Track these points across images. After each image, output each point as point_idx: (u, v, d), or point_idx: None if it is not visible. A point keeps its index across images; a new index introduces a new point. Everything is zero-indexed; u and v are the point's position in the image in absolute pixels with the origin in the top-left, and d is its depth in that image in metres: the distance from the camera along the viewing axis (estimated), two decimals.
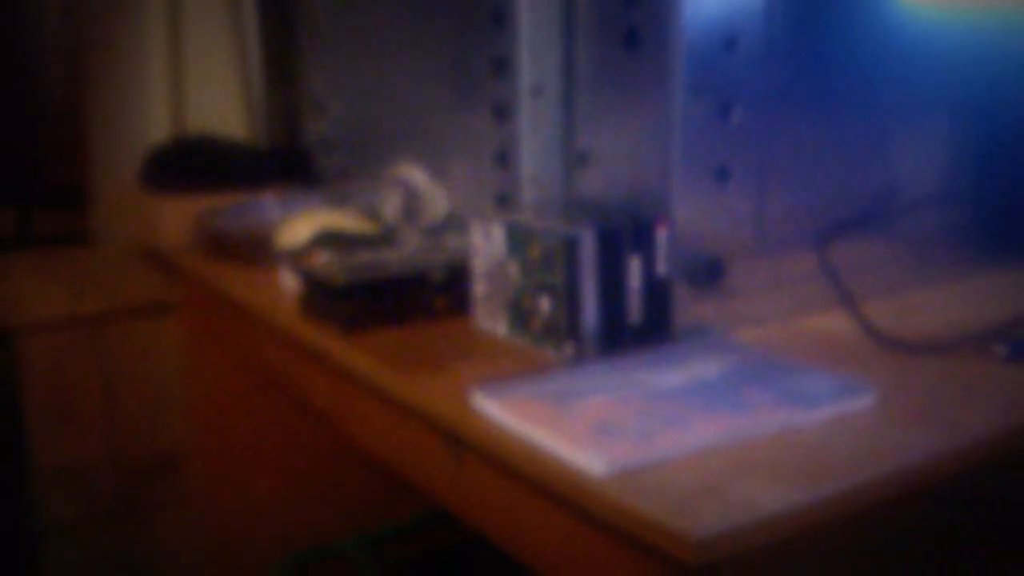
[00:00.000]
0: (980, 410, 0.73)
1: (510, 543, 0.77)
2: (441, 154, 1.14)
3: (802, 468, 0.63)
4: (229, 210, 1.30)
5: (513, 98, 1.01)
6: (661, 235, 0.85)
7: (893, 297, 1.01)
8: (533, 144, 1.01)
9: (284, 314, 1.03)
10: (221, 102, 1.61)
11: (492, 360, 0.87)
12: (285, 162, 1.49)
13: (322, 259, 1.07)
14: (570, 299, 0.83)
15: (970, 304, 1.00)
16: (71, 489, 1.54)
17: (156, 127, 1.58)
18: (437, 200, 1.13)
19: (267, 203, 1.28)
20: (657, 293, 0.86)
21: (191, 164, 1.47)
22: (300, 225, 1.14)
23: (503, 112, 1.02)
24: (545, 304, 0.85)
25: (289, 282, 1.09)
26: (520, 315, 0.89)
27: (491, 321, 0.93)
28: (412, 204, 1.15)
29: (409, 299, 0.97)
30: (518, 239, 0.87)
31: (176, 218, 1.38)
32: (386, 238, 1.16)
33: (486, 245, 0.91)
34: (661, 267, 0.86)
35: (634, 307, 0.85)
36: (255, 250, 1.20)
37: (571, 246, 0.82)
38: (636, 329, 0.86)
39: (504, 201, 1.04)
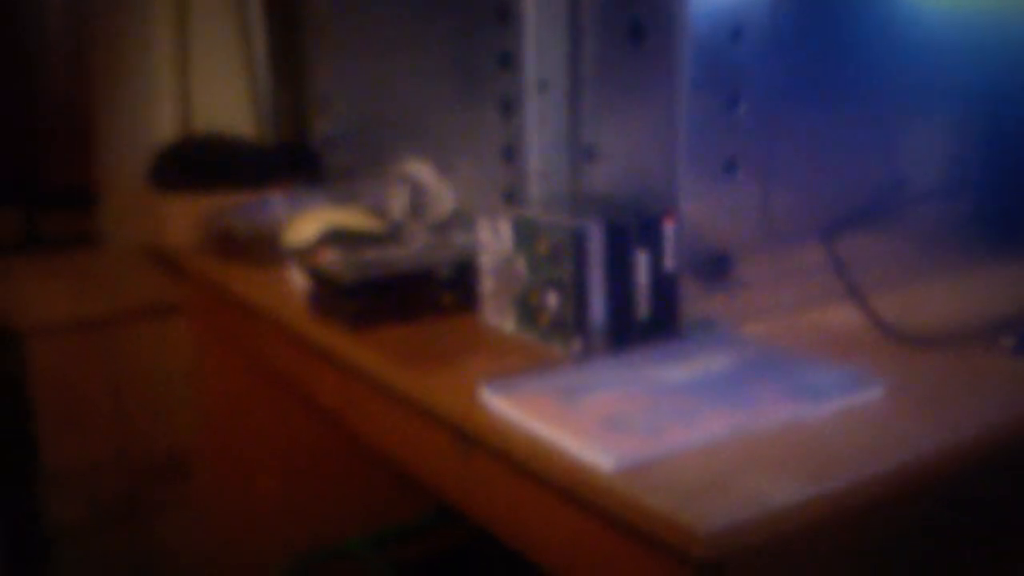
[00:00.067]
0: (988, 402, 0.73)
1: (517, 539, 0.77)
2: (447, 150, 1.14)
3: (810, 461, 0.63)
4: (236, 209, 1.30)
5: (519, 93, 1.01)
6: (668, 229, 0.85)
7: (900, 290, 1.01)
8: (539, 139, 1.01)
9: (291, 312, 1.04)
10: (227, 101, 1.61)
11: (500, 356, 0.87)
12: (291, 160, 1.49)
13: (329, 257, 1.07)
14: (578, 294, 0.83)
15: (977, 297, 1.00)
16: (78, 490, 1.55)
17: (162, 126, 1.58)
18: (444, 197, 1.13)
19: (274, 201, 1.28)
20: (664, 288, 0.86)
21: (198, 163, 1.47)
22: (307, 223, 1.15)
23: (509, 108, 1.02)
24: (553, 299, 0.85)
25: (296, 280, 1.09)
26: (528, 311, 0.88)
27: (499, 317, 0.93)
28: (419, 201, 1.15)
29: (416, 296, 0.97)
30: (525, 234, 0.87)
31: (183, 217, 1.38)
32: (393, 235, 1.16)
33: (493, 241, 0.91)
34: (668, 262, 0.86)
35: (642, 302, 0.85)
36: (262, 249, 1.20)
37: (579, 241, 0.82)
38: (644, 324, 0.86)
39: (511, 197, 1.04)
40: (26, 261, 1.70)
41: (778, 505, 0.58)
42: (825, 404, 0.71)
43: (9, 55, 2.05)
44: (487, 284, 0.94)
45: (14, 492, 1.56)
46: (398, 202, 1.17)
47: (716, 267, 0.91)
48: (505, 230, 0.90)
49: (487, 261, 0.93)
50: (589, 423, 0.68)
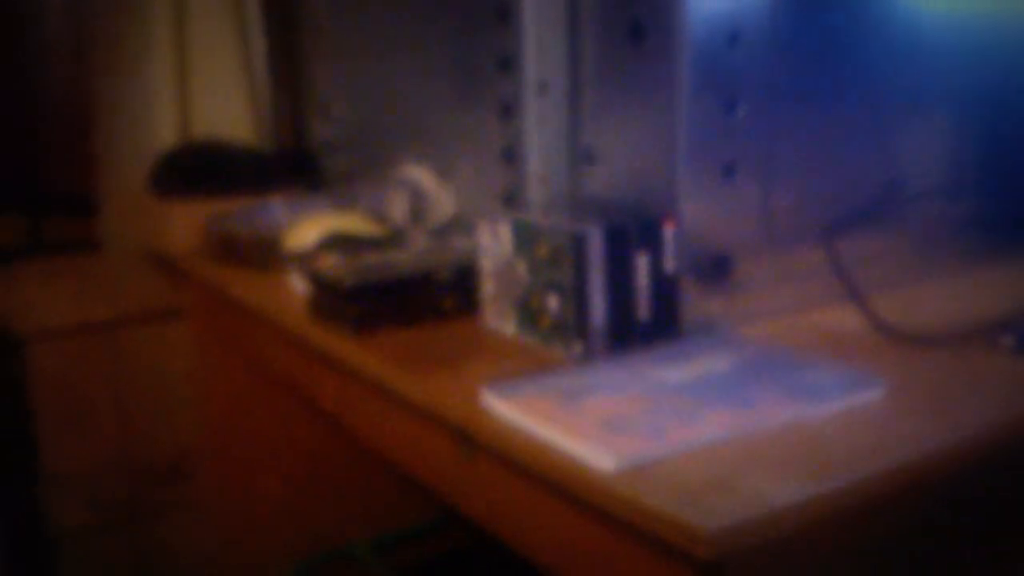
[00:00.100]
0: (989, 401, 0.73)
1: (519, 541, 0.77)
2: (447, 154, 1.14)
3: (812, 461, 0.63)
4: (237, 214, 1.30)
5: (518, 96, 1.01)
6: (668, 232, 0.85)
7: (900, 291, 1.01)
8: (539, 142, 1.01)
9: (293, 317, 1.04)
10: (227, 107, 1.61)
11: (501, 359, 0.87)
12: (291, 165, 1.49)
13: (330, 261, 1.08)
14: (578, 297, 0.83)
15: (977, 296, 1.00)
16: (82, 494, 1.55)
17: (163, 133, 1.58)
18: (444, 200, 1.13)
19: (274, 206, 1.28)
20: (665, 290, 0.86)
21: (198, 169, 1.47)
22: (308, 228, 1.15)
23: (509, 110, 1.02)
24: (553, 302, 0.85)
25: (297, 285, 1.09)
26: (528, 314, 0.89)
27: (499, 320, 0.93)
28: (419, 205, 1.15)
29: (417, 300, 0.97)
30: (526, 238, 0.88)
31: (184, 223, 1.38)
32: (393, 239, 1.16)
33: (494, 244, 0.92)
34: (669, 264, 0.86)
35: (642, 304, 0.85)
36: (263, 254, 1.20)
37: (579, 244, 0.82)
38: (644, 326, 0.86)
39: (511, 200, 1.04)
40: (29, 267, 1.70)
41: (779, 505, 0.58)
42: (826, 404, 0.71)
43: (10, 64, 2.05)
44: (488, 287, 0.94)
45: (16, 495, 1.56)
46: (398, 206, 1.17)
47: (716, 269, 0.91)
48: (505, 234, 0.90)
49: (487, 265, 0.93)
50: (590, 425, 0.68)
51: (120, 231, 1.70)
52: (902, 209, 1.04)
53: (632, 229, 0.84)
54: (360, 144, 1.37)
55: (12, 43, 2.05)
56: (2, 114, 2.05)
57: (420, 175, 1.15)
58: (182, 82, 1.59)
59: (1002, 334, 0.84)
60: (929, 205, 1.07)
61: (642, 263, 0.85)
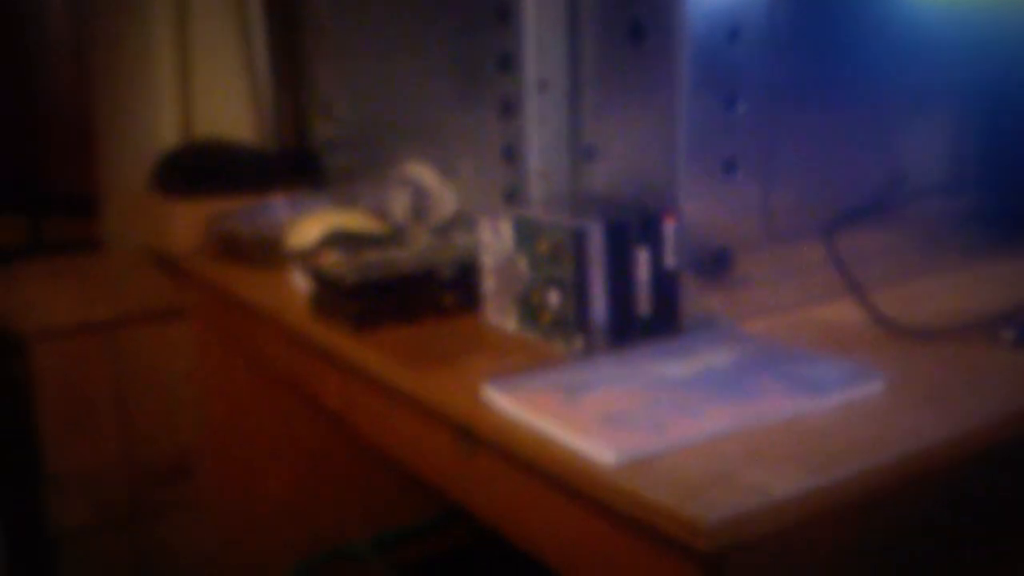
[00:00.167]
0: (989, 395, 0.73)
1: (521, 537, 0.77)
2: (448, 152, 1.15)
3: (813, 454, 0.63)
4: (239, 213, 1.31)
5: (519, 94, 1.01)
6: (669, 227, 0.86)
7: (900, 285, 1.01)
8: (540, 140, 1.01)
9: (295, 314, 1.04)
10: (229, 106, 1.62)
11: (502, 355, 0.87)
12: (293, 164, 1.50)
13: (332, 259, 1.08)
14: (579, 293, 0.83)
15: (977, 291, 1.00)
16: (81, 493, 1.55)
17: (165, 132, 1.59)
18: (445, 198, 1.14)
19: (276, 205, 1.29)
20: (665, 285, 0.87)
21: (200, 168, 1.47)
22: (309, 226, 1.15)
23: (509, 108, 1.03)
24: (554, 298, 0.85)
25: (299, 283, 1.10)
26: (529, 310, 0.89)
27: (501, 316, 0.93)
28: (420, 203, 1.16)
29: (419, 296, 0.97)
30: (526, 234, 0.88)
31: (186, 222, 1.39)
32: (395, 237, 1.16)
33: (495, 241, 0.92)
34: (669, 259, 0.86)
35: (643, 299, 0.86)
36: (265, 252, 1.21)
37: (579, 240, 0.82)
38: (645, 321, 0.86)
39: (512, 197, 1.04)
40: (31, 267, 1.70)
41: (780, 498, 0.58)
42: (826, 398, 0.71)
43: (13, 66, 2.06)
44: (489, 284, 0.94)
45: (17, 495, 1.57)
46: (400, 204, 1.17)
47: (717, 264, 0.91)
48: (506, 230, 0.90)
49: (489, 261, 0.94)
50: (591, 419, 0.68)
51: (122, 231, 1.70)
52: (902, 204, 1.05)
53: (632, 225, 0.84)
54: (362, 143, 1.38)
55: (13, 43, 2.05)
56: (4, 114, 2.05)
57: (422, 173, 1.16)
58: (184, 82, 1.59)
59: (1002, 328, 0.85)
60: (929, 200, 1.07)
61: (642, 259, 0.85)
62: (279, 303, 1.09)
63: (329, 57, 1.43)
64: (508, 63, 1.02)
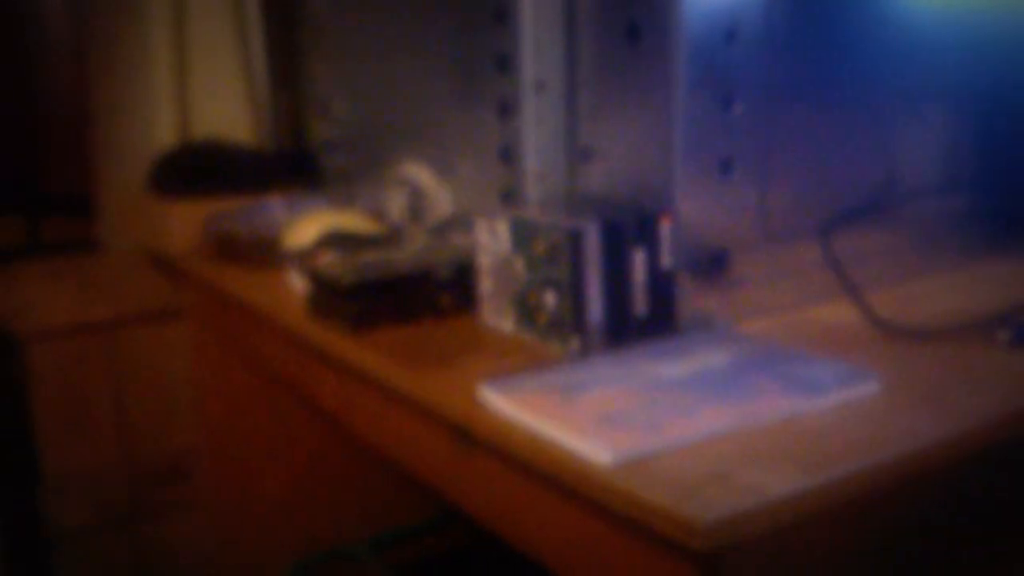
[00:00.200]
0: (984, 395, 0.73)
1: (517, 537, 0.77)
2: (445, 152, 1.15)
3: (809, 454, 0.64)
4: (236, 213, 1.31)
5: (516, 95, 1.01)
6: (665, 228, 0.86)
7: (896, 286, 1.01)
8: (537, 140, 1.01)
9: (292, 315, 1.04)
10: (226, 106, 1.62)
11: (499, 355, 0.87)
12: (290, 165, 1.50)
13: (328, 259, 1.08)
14: (575, 293, 0.83)
15: (973, 292, 1.00)
16: (80, 494, 1.55)
17: (162, 133, 1.58)
18: (442, 199, 1.14)
19: (273, 205, 1.29)
20: (662, 285, 0.87)
21: (197, 169, 1.47)
22: (306, 226, 1.15)
23: (506, 109, 1.03)
24: (550, 299, 0.85)
25: (296, 283, 1.10)
26: (526, 310, 0.89)
27: (497, 317, 0.93)
28: (417, 203, 1.16)
29: (415, 297, 0.97)
30: (523, 235, 0.88)
31: (183, 223, 1.39)
32: (392, 237, 1.16)
33: (491, 242, 0.92)
34: (665, 260, 0.86)
35: (639, 300, 0.86)
36: (262, 252, 1.21)
37: (575, 240, 0.82)
38: (641, 322, 0.86)
39: (509, 197, 1.04)
40: (28, 267, 1.70)
41: (776, 497, 0.58)
42: (822, 398, 0.71)
43: (11, 66, 2.06)
44: (485, 285, 0.94)
45: (15, 496, 1.57)
46: (397, 205, 1.17)
47: (713, 265, 0.91)
48: (503, 231, 0.90)
49: (485, 262, 0.94)
50: (588, 419, 0.68)
51: (119, 231, 1.70)
52: (899, 205, 1.05)
53: (629, 225, 0.84)
54: (359, 143, 1.38)
55: (12, 43, 2.05)
56: (2, 115, 2.05)
57: (419, 174, 1.16)
58: (181, 82, 1.59)
59: (998, 328, 0.85)
60: (926, 201, 1.07)
61: (639, 259, 0.85)
62: (276, 303, 1.09)
63: (327, 57, 1.43)
64: (505, 64, 1.02)
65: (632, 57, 0.92)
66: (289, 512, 1.60)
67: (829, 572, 0.66)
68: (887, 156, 1.04)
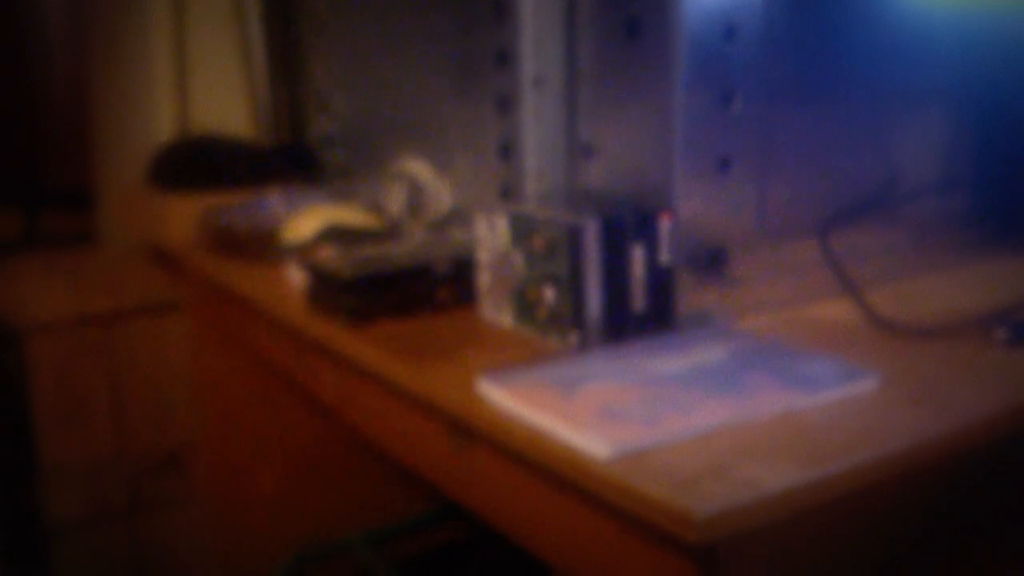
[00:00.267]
0: (982, 392, 0.74)
1: (515, 530, 0.77)
2: (444, 147, 1.15)
3: (806, 449, 0.64)
4: (235, 207, 1.31)
5: (515, 90, 1.01)
6: (664, 224, 0.86)
7: (895, 284, 1.01)
8: (536, 136, 1.01)
9: (290, 309, 1.04)
10: (225, 100, 1.62)
11: (497, 350, 0.88)
12: (290, 159, 1.50)
13: (328, 253, 1.08)
14: (574, 288, 0.83)
15: (971, 290, 1.00)
16: (79, 487, 1.55)
17: (161, 126, 1.59)
18: (441, 194, 1.14)
19: (272, 200, 1.29)
20: (660, 282, 0.87)
21: (196, 163, 1.47)
22: (305, 220, 1.15)
23: (506, 104, 1.03)
24: (549, 294, 0.86)
25: (295, 277, 1.10)
26: (525, 305, 0.89)
27: (496, 312, 0.94)
28: (416, 198, 1.16)
29: (414, 291, 0.98)
30: (522, 230, 0.88)
31: (182, 216, 1.39)
32: (391, 232, 1.16)
33: (490, 236, 0.92)
34: (664, 256, 0.86)
35: (638, 296, 0.86)
36: (261, 246, 1.21)
37: (575, 236, 0.82)
38: (640, 317, 0.86)
39: (508, 193, 1.04)
40: (26, 260, 1.70)
41: (772, 492, 0.58)
42: (820, 394, 0.72)
43: (9, 59, 2.06)
44: (484, 279, 0.95)
45: (13, 489, 1.57)
46: (396, 199, 1.17)
47: (712, 262, 0.92)
48: (502, 226, 0.90)
49: (484, 256, 0.94)
50: (586, 413, 0.68)
51: (117, 225, 1.70)
52: (897, 203, 1.05)
53: (628, 221, 0.84)
54: (358, 138, 1.38)
55: (10, 36, 2.05)
56: (0, 107, 2.05)
57: (418, 168, 1.16)
58: (180, 76, 1.59)
59: (996, 327, 0.85)
60: (924, 199, 1.07)
61: (638, 255, 0.85)
62: (275, 297, 1.09)
63: (326, 52, 1.43)
64: (505, 59, 1.02)
65: (632, 53, 0.92)
66: (287, 505, 1.60)
67: (825, 567, 0.66)
68: (886, 154, 1.04)
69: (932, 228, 1.08)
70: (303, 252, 1.11)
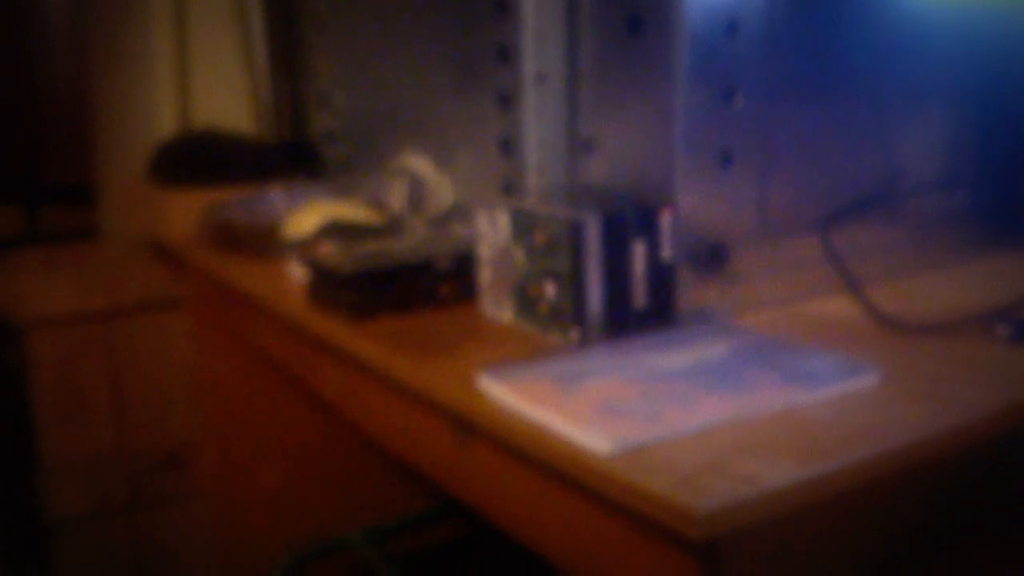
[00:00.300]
0: (982, 389, 0.74)
1: (516, 526, 0.77)
2: (446, 143, 1.15)
3: (806, 445, 0.64)
4: (236, 203, 1.31)
5: (517, 86, 1.01)
6: (665, 220, 0.86)
7: (896, 281, 1.01)
8: (537, 132, 1.01)
9: (291, 304, 1.04)
10: (227, 96, 1.62)
11: (498, 345, 0.88)
12: (291, 155, 1.50)
13: (328, 249, 1.08)
14: (575, 284, 0.83)
15: (972, 287, 1.00)
16: (80, 484, 1.55)
17: (162, 122, 1.59)
18: (442, 190, 1.14)
19: (273, 195, 1.29)
20: (661, 278, 0.87)
21: (198, 158, 1.47)
22: (306, 216, 1.15)
23: (507, 100, 1.03)
24: (550, 289, 0.86)
25: (296, 273, 1.10)
26: (526, 300, 0.89)
27: (497, 307, 0.94)
28: (417, 194, 1.16)
29: (415, 287, 0.98)
30: (523, 225, 0.88)
31: (183, 212, 1.39)
32: (392, 228, 1.16)
33: (491, 232, 0.92)
34: (665, 252, 0.86)
35: (639, 291, 0.86)
36: (262, 242, 1.21)
37: (576, 231, 0.82)
38: (641, 313, 0.86)
39: (509, 189, 1.04)
40: (28, 256, 1.70)
41: (772, 487, 0.58)
42: (821, 390, 0.72)
43: (11, 56, 2.06)
44: (485, 275, 0.94)
45: (13, 485, 1.57)
46: (397, 195, 1.17)
47: (713, 258, 0.91)
48: (503, 221, 0.90)
49: (485, 252, 0.94)
50: (587, 408, 0.68)
51: (118, 220, 1.70)
52: (899, 200, 1.05)
53: (629, 216, 0.84)
54: (360, 134, 1.38)
55: (12, 33, 2.05)
56: (1, 104, 2.05)
57: (419, 164, 1.16)
58: (182, 72, 1.59)
59: (997, 323, 0.85)
60: (926, 196, 1.07)
61: (639, 251, 0.85)
62: (276, 293, 1.09)
63: (328, 48, 1.43)
64: (506, 55, 1.02)
65: (633, 49, 0.92)
66: (287, 503, 1.60)
67: (825, 562, 0.66)
68: (888, 151, 1.04)
69: (933, 225, 1.08)
70: (304, 248, 1.11)
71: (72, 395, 1.53)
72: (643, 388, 0.72)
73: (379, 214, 1.19)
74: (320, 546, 1.64)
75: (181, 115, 1.60)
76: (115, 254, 1.66)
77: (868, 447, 0.63)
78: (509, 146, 1.04)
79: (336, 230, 1.13)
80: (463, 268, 0.98)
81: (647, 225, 0.85)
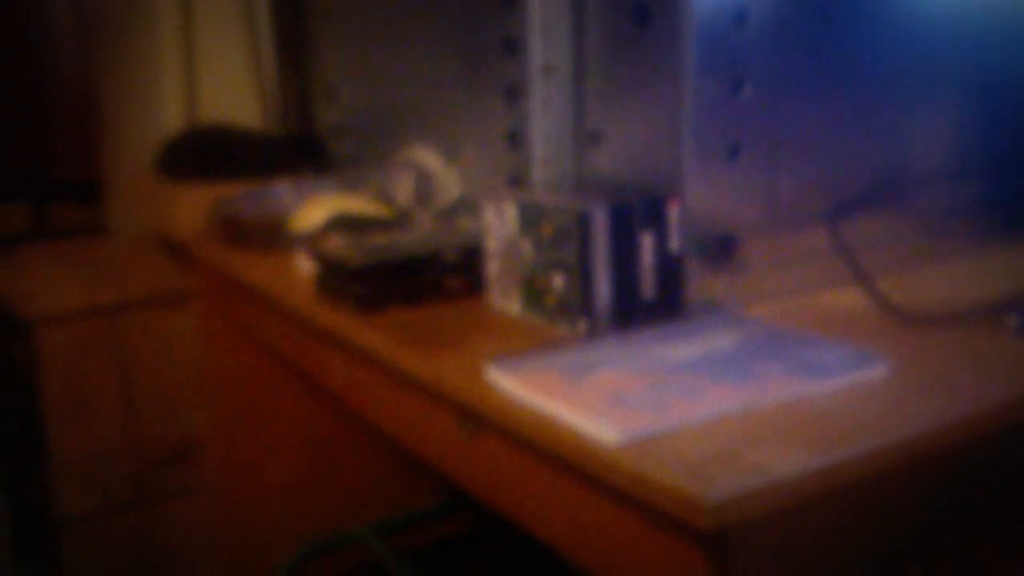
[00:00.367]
0: (991, 379, 0.73)
1: (525, 517, 0.77)
2: (453, 136, 1.15)
3: (815, 435, 0.64)
4: (244, 197, 1.31)
5: (524, 79, 1.01)
6: (673, 211, 0.86)
7: (905, 272, 1.01)
8: (545, 124, 1.01)
9: (300, 297, 1.04)
10: (234, 91, 1.62)
11: (506, 337, 0.87)
12: (298, 149, 1.50)
13: (336, 242, 1.08)
14: (583, 275, 0.83)
15: (981, 278, 1.00)
16: (86, 479, 1.55)
17: (170, 117, 1.59)
18: (450, 182, 1.14)
19: (281, 189, 1.29)
20: (669, 269, 0.87)
21: (205, 153, 1.47)
22: (314, 210, 1.15)
23: (514, 93, 1.03)
24: (558, 281, 0.85)
25: (304, 266, 1.10)
26: (534, 292, 0.89)
27: (505, 299, 0.93)
28: (425, 187, 1.16)
29: (423, 279, 0.98)
30: (531, 217, 0.88)
31: (191, 207, 1.39)
32: (400, 221, 1.16)
33: (499, 224, 0.92)
34: (673, 243, 0.86)
35: (647, 283, 0.86)
36: (270, 236, 1.21)
37: (583, 223, 0.82)
38: (649, 304, 0.86)
39: (516, 182, 1.04)
40: (36, 252, 1.70)
41: (781, 477, 0.58)
42: (829, 381, 0.71)
43: (18, 52, 2.06)
44: (493, 267, 0.94)
45: (22, 480, 1.57)
46: (404, 188, 1.17)
47: (721, 249, 0.91)
48: (510, 213, 0.90)
49: (493, 244, 0.94)
50: (595, 399, 0.68)
51: (126, 216, 1.71)
52: (907, 192, 1.04)
53: (637, 208, 0.84)
54: (367, 127, 1.38)
55: (18, 29, 2.05)
56: (9, 100, 2.06)
57: (426, 157, 1.16)
58: (189, 67, 1.59)
59: (1006, 314, 0.85)
60: (935, 188, 1.07)
61: (647, 242, 0.85)
62: (284, 286, 1.09)
63: (334, 42, 1.43)
64: (513, 48, 1.02)
65: (641, 41, 0.91)
66: (296, 496, 1.60)
67: (833, 552, 0.66)
68: (897, 142, 1.04)
69: (942, 216, 1.08)
70: (312, 241, 1.11)
71: (80, 390, 1.53)
72: (651, 379, 0.72)
73: (386, 207, 1.19)
74: (327, 541, 1.64)
75: (188, 110, 1.60)
76: (123, 250, 1.66)
77: (877, 438, 0.63)
78: (516, 138, 1.04)
79: (343, 223, 1.13)
80: (471, 261, 0.98)
81: (655, 216, 0.85)
